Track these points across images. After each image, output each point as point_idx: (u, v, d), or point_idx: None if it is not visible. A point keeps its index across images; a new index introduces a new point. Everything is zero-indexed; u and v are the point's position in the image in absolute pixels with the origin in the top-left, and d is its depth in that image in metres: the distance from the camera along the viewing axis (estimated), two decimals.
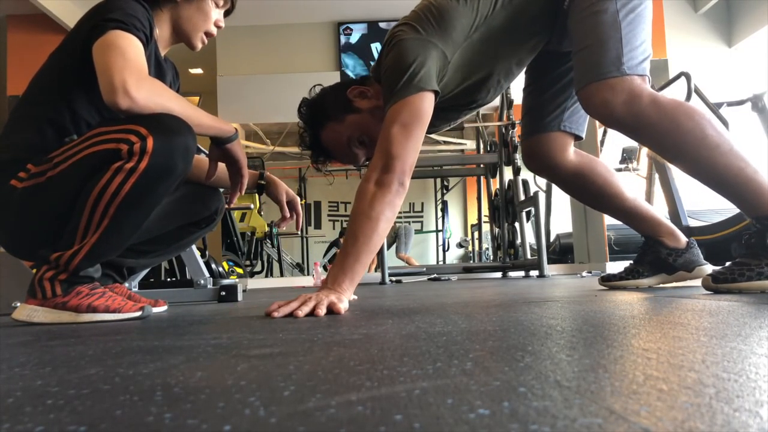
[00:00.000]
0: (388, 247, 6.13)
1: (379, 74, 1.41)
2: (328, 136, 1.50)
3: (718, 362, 0.47)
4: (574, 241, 5.96)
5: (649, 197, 3.98)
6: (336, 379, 0.47)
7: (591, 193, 1.67)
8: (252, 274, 6.02)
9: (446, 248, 8.47)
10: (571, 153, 1.63)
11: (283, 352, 0.64)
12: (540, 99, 1.62)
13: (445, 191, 8.53)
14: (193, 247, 2.13)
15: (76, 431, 0.34)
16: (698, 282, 1.40)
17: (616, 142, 4.48)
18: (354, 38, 6.24)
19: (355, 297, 1.69)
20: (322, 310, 1.11)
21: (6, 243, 1.42)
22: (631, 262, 1.70)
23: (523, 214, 4.94)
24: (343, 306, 1.15)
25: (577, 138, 1.63)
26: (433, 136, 7.48)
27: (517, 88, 1.84)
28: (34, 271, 1.31)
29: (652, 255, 1.64)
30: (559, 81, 1.60)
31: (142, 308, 1.34)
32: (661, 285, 1.69)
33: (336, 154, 1.54)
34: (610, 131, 4.50)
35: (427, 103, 1.30)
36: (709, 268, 1.60)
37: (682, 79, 3.36)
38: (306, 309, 1.11)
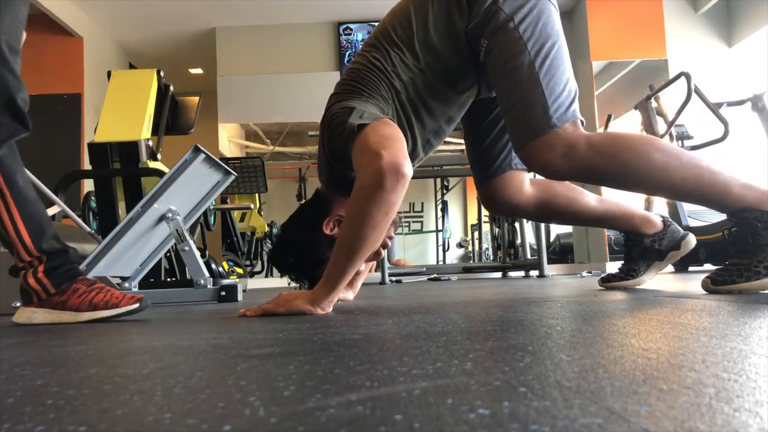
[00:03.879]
0: None
1: (328, 171, 1.39)
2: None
3: (718, 362, 0.47)
4: (574, 241, 5.96)
5: (648, 199, 3.98)
6: (336, 379, 0.47)
7: (559, 215, 1.67)
8: (252, 274, 6.02)
9: (446, 248, 8.46)
10: (528, 187, 1.60)
11: (283, 352, 0.64)
12: (483, 146, 1.59)
13: (445, 191, 8.53)
14: (193, 246, 2.13)
15: (76, 431, 0.34)
16: (698, 283, 1.40)
17: None
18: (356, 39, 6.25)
19: (351, 298, 1.69)
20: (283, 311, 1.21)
21: None
22: (623, 262, 1.70)
23: None
24: (316, 310, 1.20)
25: (530, 170, 1.62)
26: None
27: None
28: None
29: (637, 248, 1.65)
30: (497, 124, 1.56)
31: (140, 300, 1.34)
32: (661, 282, 1.69)
33: None
34: (610, 127, 4.50)
35: (390, 123, 1.24)
36: (692, 238, 1.61)
37: (682, 78, 3.36)
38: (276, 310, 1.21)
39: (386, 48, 1.37)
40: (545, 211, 1.62)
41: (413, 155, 1.46)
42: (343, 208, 1.42)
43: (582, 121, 1.32)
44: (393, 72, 1.36)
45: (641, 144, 1.30)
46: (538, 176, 1.52)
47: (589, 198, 1.62)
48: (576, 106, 1.31)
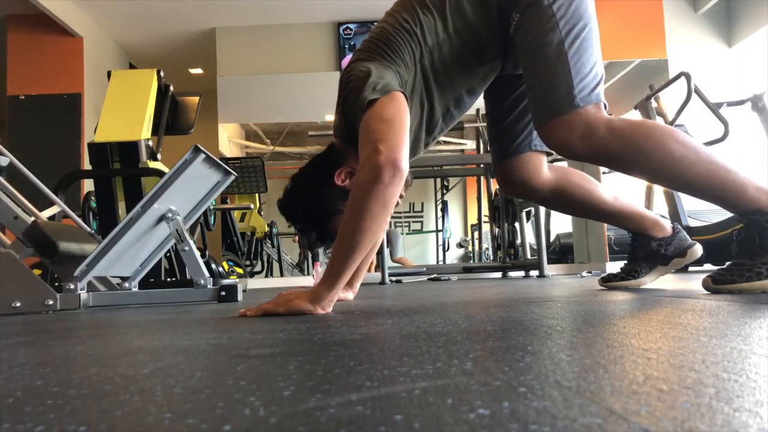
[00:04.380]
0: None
1: (343, 128, 1.39)
2: (336, 226, 1.41)
3: (718, 362, 0.47)
4: (574, 241, 5.95)
5: (648, 197, 3.98)
6: (336, 379, 0.47)
7: (573, 205, 1.66)
8: (252, 274, 6.02)
9: (446, 248, 8.46)
10: (546, 171, 1.60)
11: (283, 352, 0.64)
12: (504, 124, 1.58)
13: (445, 191, 8.53)
14: (193, 246, 2.13)
15: (76, 431, 0.34)
16: (699, 283, 1.40)
17: None
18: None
19: (351, 298, 1.69)
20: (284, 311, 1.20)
21: None
22: (626, 262, 1.70)
23: (523, 214, 4.94)
24: (316, 310, 1.19)
25: (549, 154, 1.61)
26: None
27: None
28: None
29: (643, 250, 1.64)
30: (520, 103, 1.56)
31: None
32: (661, 281, 1.69)
33: None
34: None
35: (399, 100, 1.26)
36: (699, 248, 1.61)
37: (682, 78, 3.36)
38: (276, 310, 1.21)
39: (416, 10, 1.38)
40: (559, 198, 1.62)
41: (431, 123, 1.46)
42: (356, 161, 1.41)
43: (605, 105, 1.32)
44: (420, 36, 1.36)
45: (660, 133, 1.30)
46: (555, 163, 1.52)
47: (604, 193, 1.62)
48: (601, 89, 1.32)
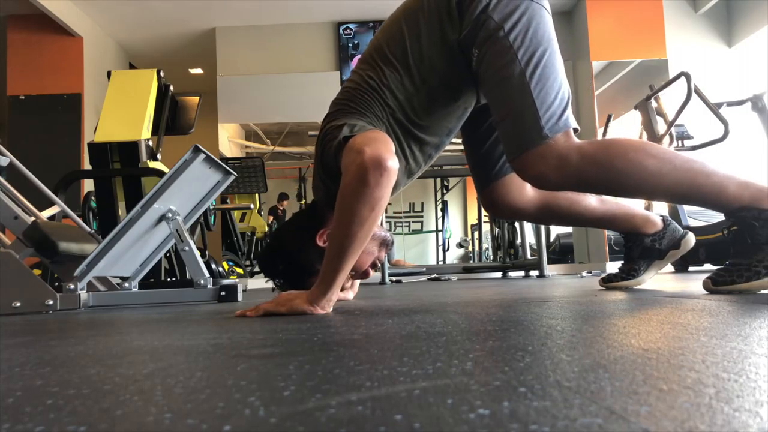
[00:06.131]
0: None
1: (323, 191, 1.39)
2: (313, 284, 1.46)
3: (718, 362, 0.47)
4: (574, 241, 5.96)
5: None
6: (336, 379, 0.47)
7: (561, 217, 1.66)
8: (252, 274, 6.01)
9: (446, 248, 8.46)
10: (529, 190, 1.59)
11: (283, 352, 0.64)
12: (482, 150, 1.58)
13: (445, 191, 8.53)
14: (193, 246, 2.13)
15: (76, 431, 0.34)
16: (699, 283, 1.41)
17: None
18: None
19: (350, 297, 1.69)
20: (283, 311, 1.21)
21: None
22: (623, 262, 1.70)
23: None
24: (316, 310, 1.20)
25: None
26: None
27: None
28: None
29: (638, 248, 1.65)
30: (495, 129, 1.53)
31: None
32: (661, 282, 1.69)
33: None
34: (609, 130, 4.50)
35: (379, 132, 1.25)
36: (692, 237, 1.62)
37: (682, 78, 3.36)
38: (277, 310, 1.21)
39: (380, 66, 1.37)
40: (547, 214, 1.62)
41: (411, 171, 1.46)
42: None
43: (575, 129, 1.30)
44: (388, 91, 1.35)
45: (633, 151, 1.28)
46: None
47: (590, 199, 1.61)
48: (568, 112, 1.29)
